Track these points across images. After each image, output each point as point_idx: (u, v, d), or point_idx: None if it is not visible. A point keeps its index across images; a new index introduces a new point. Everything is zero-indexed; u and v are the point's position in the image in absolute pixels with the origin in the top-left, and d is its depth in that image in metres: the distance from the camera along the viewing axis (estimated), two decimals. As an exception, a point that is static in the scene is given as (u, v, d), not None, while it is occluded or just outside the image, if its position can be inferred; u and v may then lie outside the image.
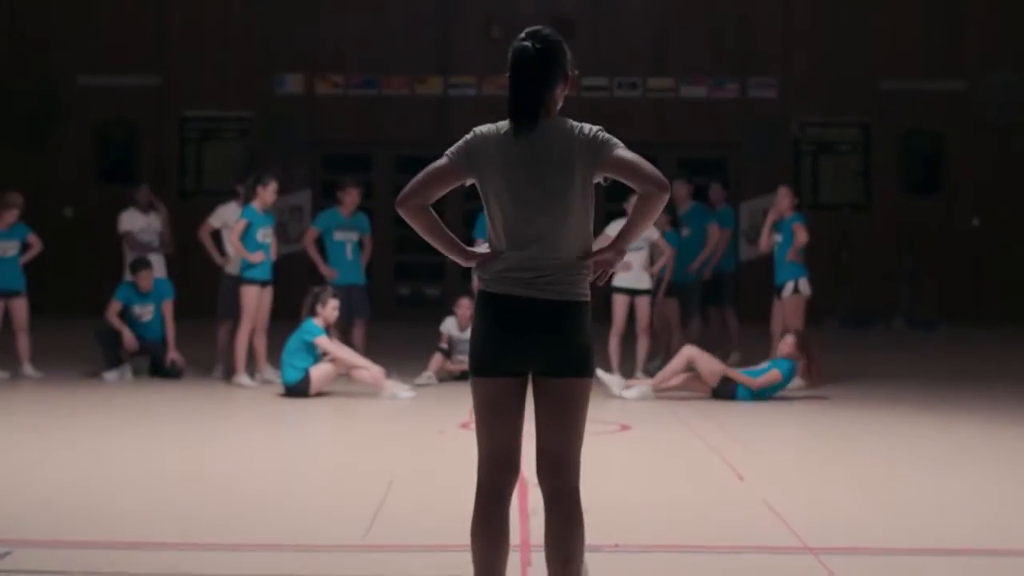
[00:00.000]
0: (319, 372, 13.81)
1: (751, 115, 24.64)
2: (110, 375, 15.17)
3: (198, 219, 16.39)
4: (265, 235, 14.75)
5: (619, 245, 5.35)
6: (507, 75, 5.42)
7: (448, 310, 16.01)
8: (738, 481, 9.42)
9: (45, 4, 24.43)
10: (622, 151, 5.34)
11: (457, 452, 10.68)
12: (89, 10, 24.50)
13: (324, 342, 13.85)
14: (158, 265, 16.43)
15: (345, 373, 13.99)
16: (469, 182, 5.42)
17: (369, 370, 13.95)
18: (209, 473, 9.62)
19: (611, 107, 23.87)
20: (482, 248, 5.43)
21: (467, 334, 15.23)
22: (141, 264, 15.62)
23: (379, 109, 24.55)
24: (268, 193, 14.75)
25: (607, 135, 5.37)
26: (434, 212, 5.42)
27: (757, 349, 15.91)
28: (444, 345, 15.33)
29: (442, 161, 5.42)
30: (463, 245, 5.46)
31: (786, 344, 14.01)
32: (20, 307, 15.43)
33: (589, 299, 5.36)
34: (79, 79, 24.43)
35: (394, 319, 22.82)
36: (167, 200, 22.43)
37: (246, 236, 14.60)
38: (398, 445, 11.17)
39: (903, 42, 24.44)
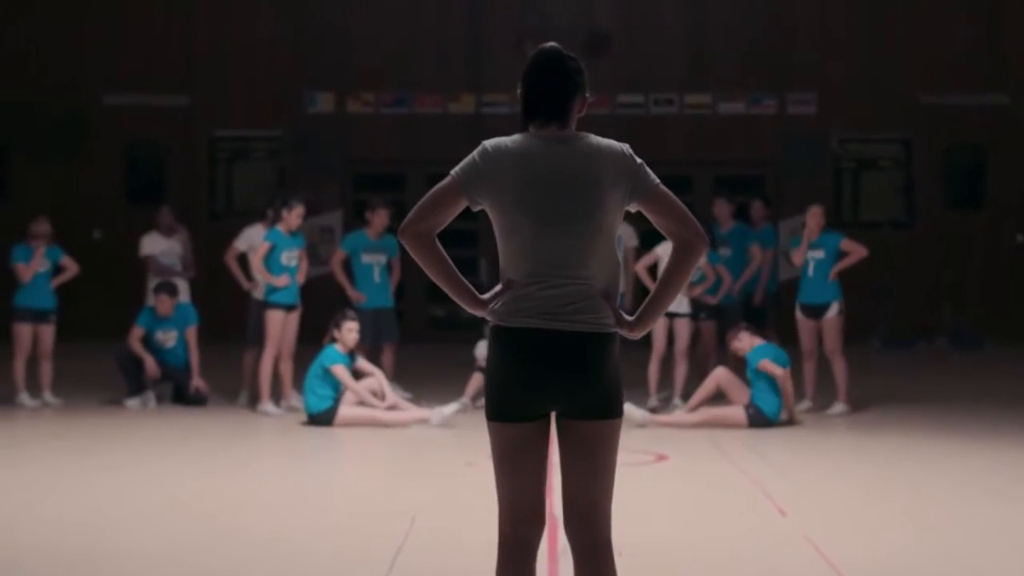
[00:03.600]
0: (349, 412, 13.31)
1: (790, 131, 24.13)
2: (132, 402, 14.81)
3: (228, 241, 15.99)
4: (291, 258, 14.35)
5: (650, 317, 4.88)
6: (520, 86, 4.95)
7: (482, 333, 15.48)
8: (780, 516, 8.94)
9: (72, 23, 24.13)
10: (662, 185, 4.84)
11: (486, 485, 10.18)
12: (117, 29, 24.17)
13: (341, 372, 13.36)
14: (182, 289, 16.05)
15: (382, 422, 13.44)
16: (478, 207, 4.91)
17: (385, 403, 13.48)
18: (223, 510, 9.19)
19: (647, 124, 23.43)
20: (492, 292, 4.90)
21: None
22: (163, 288, 15.22)
23: (411, 127, 24.16)
24: (293, 217, 14.35)
25: (639, 159, 4.87)
26: (439, 245, 4.88)
27: (796, 375, 15.26)
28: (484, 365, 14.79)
29: (447, 181, 4.90)
30: (473, 290, 4.93)
31: (740, 341, 13.64)
32: (47, 333, 15.08)
33: (615, 331, 4.84)
34: (107, 99, 24.11)
35: (427, 341, 22.39)
36: (197, 222, 22.20)
37: (270, 259, 14.22)
38: (423, 478, 10.72)
39: (944, 55, 23.90)
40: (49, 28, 24.12)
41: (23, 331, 15.00)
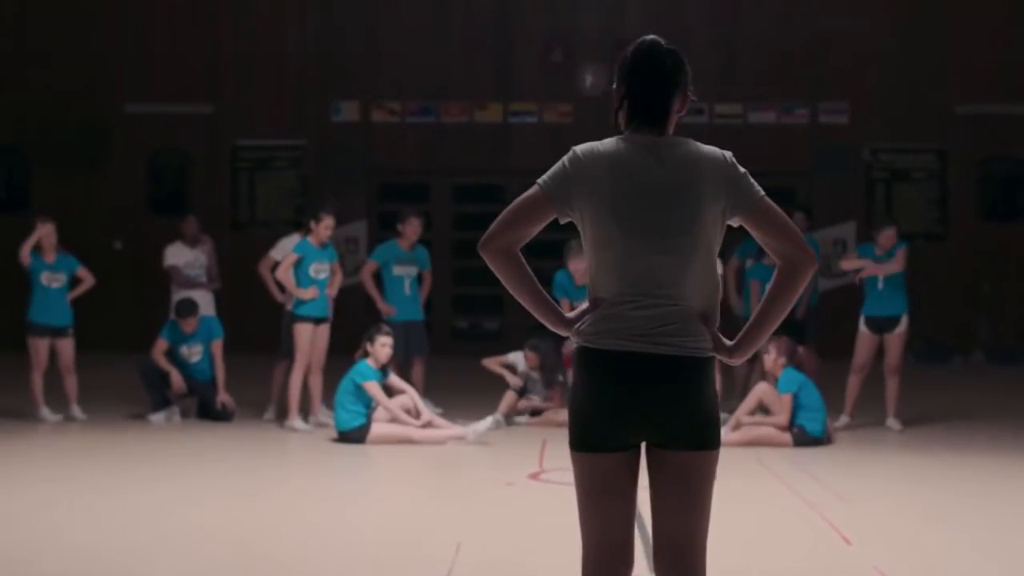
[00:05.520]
0: (381, 430, 12.89)
1: (822, 141, 23.70)
2: (156, 417, 14.41)
3: (250, 251, 15.63)
4: (319, 270, 13.95)
5: (751, 342, 4.46)
6: (618, 82, 4.52)
7: (507, 345, 14.98)
8: (845, 545, 8.48)
9: (95, 31, 23.80)
10: (767, 198, 4.42)
11: (528, 507, 9.80)
12: (140, 37, 23.85)
13: (373, 389, 12.93)
14: (206, 301, 15.64)
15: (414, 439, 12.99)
16: (566, 219, 4.47)
17: (421, 420, 13.05)
18: (249, 535, 8.68)
19: (676, 134, 22.88)
20: (577, 310, 4.48)
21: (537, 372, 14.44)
22: (187, 309, 14.73)
23: (437, 137, 23.76)
24: (322, 229, 13.96)
25: (742, 167, 4.44)
26: (523, 260, 4.44)
27: (836, 389, 14.74)
28: (520, 382, 14.35)
29: (533, 191, 4.42)
30: (558, 308, 4.49)
31: (768, 355, 13.17)
32: (67, 347, 14.64)
33: (713, 356, 4.42)
34: (129, 107, 23.75)
35: (451, 353, 21.98)
36: (220, 231, 21.78)
37: (298, 271, 13.82)
38: (464, 500, 10.25)
39: (979, 65, 23.45)
40: (71, 36, 23.77)
41: (39, 346, 14.58)
